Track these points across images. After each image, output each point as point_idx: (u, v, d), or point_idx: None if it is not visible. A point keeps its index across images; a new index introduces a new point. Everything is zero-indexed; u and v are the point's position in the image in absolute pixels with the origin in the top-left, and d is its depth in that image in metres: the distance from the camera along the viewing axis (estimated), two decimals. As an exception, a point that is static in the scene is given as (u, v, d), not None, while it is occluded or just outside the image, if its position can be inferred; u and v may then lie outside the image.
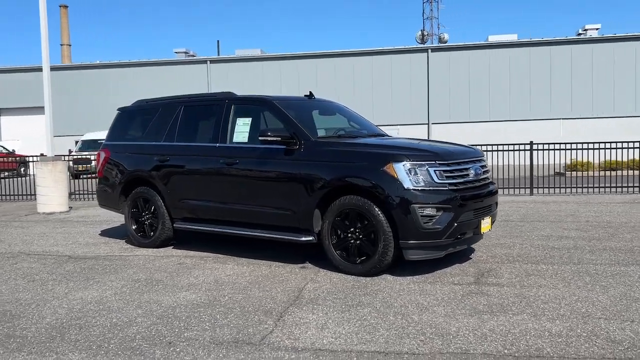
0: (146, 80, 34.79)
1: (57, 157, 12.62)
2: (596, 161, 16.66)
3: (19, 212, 12.07)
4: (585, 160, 16.15)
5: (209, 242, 7.58)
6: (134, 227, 7.48)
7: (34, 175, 14.90)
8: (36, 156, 14.75)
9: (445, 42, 39.54)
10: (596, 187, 13.32)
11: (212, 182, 6.62)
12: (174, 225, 7.07)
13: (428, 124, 32.11)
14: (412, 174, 5.38)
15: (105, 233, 8.84)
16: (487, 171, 6.17)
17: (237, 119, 6.63)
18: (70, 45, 48.77)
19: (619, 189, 13.23)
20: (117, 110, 8.16)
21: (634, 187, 13.14)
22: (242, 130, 6.54)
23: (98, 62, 35.17)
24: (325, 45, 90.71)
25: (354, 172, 5.58)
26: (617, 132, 27.26)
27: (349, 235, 5.68)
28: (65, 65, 37.32)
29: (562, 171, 17.84)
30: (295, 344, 3.91)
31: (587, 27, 32.99)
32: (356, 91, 32.62)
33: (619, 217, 9.34)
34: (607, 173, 14.54)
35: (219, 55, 37.84)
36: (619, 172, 14.68)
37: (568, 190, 13.37)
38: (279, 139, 6.00)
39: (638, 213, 9.73)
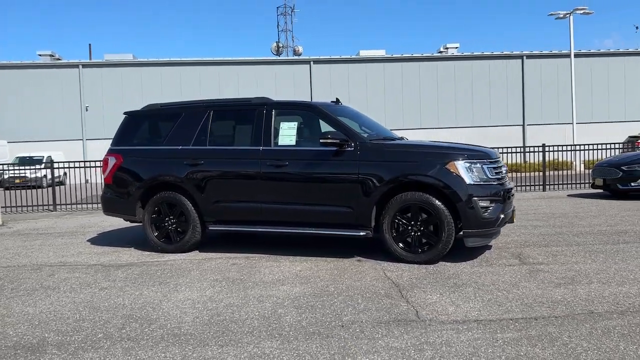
0: (7, 84, 32.00)
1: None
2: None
3: (-57, 228, 10.85)
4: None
5: (230, 244, 7.71)
6: (155, 233, 7.36)
7: None
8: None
9: (300, 55, 41.22)
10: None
11: (256, 183, 6.81)
12: (210, 227, 7.12)
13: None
14: (470, 170, 6.14)
15: (96, 242, 8.47)
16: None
17: (281, 123, 6.92)
18: None
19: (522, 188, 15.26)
20: (125, 114, 7.92)
21: (530, 185, 15.24)
22: (288, 133, 6.84)
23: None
24: (179, 53, 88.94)
25: (417, 170, 6.20)
26: (476, 140, 30.56)
27: (409, 227, 6.28)
28: None
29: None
30: (452, 318, 4.43)
31: (447, 45, 36.50)
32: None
33: (555, 209, 10.94)
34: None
35: (90, 59, 35.82)
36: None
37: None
38: (338, 141, 6.42)
39: (564, 205, 11.46)
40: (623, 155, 13.72)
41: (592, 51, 35.51)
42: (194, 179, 7.07)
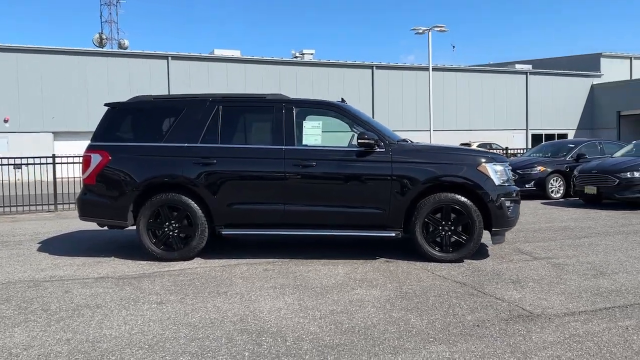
0: None
1: None
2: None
3: None
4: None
5: (225, 249, 7.24)
6: (153, 240, 6.61)
7: None
8: None
9: (126, 48, 39.36)
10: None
11: (280, 184, 6.48)
12: (222, 232, 6.59)
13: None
14: (497, 172, 6.52)
15: (56, 252, 7.31)
16: None
17: (304, 122, 6.67)
18: None
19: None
20: (108, 106, 6.96)
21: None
22: (313, 132, 6.62)
23: None
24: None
25: (453, 171, 6.41)
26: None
27: (440, 227, 6.46)
28: None
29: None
30: (558, 311, 4.67)
31: (304, 51, 37.41)
32: (112, 96, 30.34)
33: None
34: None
35: None
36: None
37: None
38: (372, 142, 6.39)
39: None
40: (517, 159, 15.37)
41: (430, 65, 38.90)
42: (206, 179, 6.49)
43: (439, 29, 26.28)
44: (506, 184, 6.60)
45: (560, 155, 14.70)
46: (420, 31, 26.78)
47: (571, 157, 14.30)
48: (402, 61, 37.35)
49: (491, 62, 52.08)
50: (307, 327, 4.29)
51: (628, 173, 11.48)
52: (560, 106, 42.45)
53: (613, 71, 44.09)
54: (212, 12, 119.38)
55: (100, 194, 6.72)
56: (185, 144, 6.60)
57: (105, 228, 7.22)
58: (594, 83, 43.79)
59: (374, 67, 36.93)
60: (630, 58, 45.85)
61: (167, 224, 6.59)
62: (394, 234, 6.49)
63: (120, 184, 6.64)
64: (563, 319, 4.48)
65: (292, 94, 31.35)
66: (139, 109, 6.98)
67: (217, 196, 6.50)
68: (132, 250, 7.28)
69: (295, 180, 6.47)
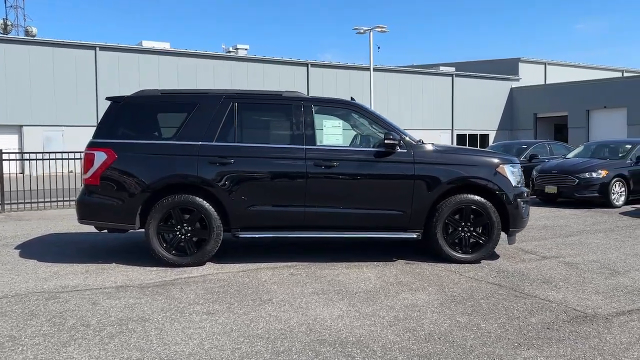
0: None
1: None
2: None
3: None
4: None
5: (236, 253, 6.91)
6: (163, 245, 6.19)
7: None
8: None
9: (34, 36, 37.30)
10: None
11: (301, 186, 6.25)
12: (240, 235, 6.28)
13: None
14: (513, 174, 6.63)
15: (45, 259, 6.64)
16: None
17: (324, 121, 6.48)
18: None
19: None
20: (110, 100, 6.41)
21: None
22: (333, 132, 6.46)
23: None
24: None
25: (475, 173, 6.44)
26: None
27: (460, 229, 6.48)
28: None
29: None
30: (608, 311, 4.80)
31: (238, 46, 36.77)
32: (35, 87, 28.30)
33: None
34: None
35: None
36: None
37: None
38: (396, 142, 6.30)
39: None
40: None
41: (371, 65, 39.41)
42: (223, 180, 6.16)
43: (380, 29, 26.62)
44: (520, 185, 6.72)
45: (512, 155, 15.24)
46: (362, 31, 27.02)
47: (524, 157, 14.88)
48: (319, 59, 37.40)
49: (414, 64, 53.37)
50: (384, 335, 4.15)
51: (587, 173, 12.10)
52: (482, 108, 44.27)
53: (530, 75, 46.54)
54: (136, 2, 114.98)
55: (104, 196, 6.20)
56: (200, 142, 6.23)
57: (103, 231, 6.69)
58: (513, 86, 46.03)
59: (309, 65, 36.93)
60: (545, 64, 48.58)
61: (179, 227, 6.19)
62: (415, 235, 6.45)
63: (128, 185, 6.17)
64: (620, 319, 4.60)
65: (227, 88, 30.61)
66: (145, 104, 6.50)
67: (234, 198, 6.19)
68: (128, 254, 6.83)
69: (317, 181, 6.27)
